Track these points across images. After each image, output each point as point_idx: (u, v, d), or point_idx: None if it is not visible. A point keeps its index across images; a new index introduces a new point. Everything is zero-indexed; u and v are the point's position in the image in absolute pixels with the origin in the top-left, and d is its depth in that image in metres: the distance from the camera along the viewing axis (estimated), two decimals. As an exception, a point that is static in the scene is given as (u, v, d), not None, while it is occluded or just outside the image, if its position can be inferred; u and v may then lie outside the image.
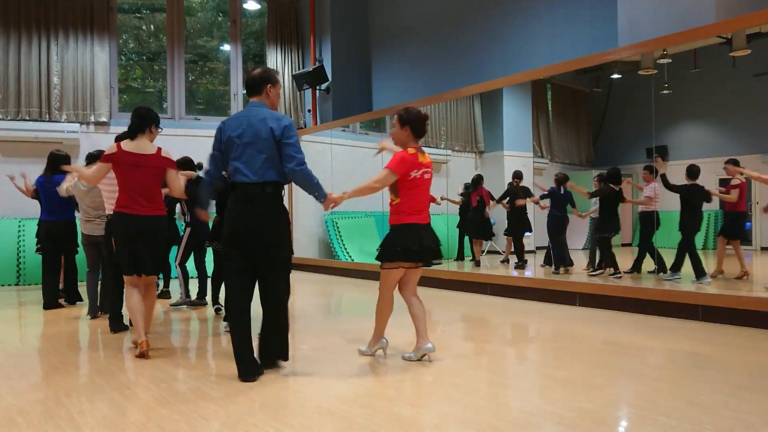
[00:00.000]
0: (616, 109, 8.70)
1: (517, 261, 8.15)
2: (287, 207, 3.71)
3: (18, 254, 8.44)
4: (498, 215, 9.03)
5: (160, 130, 4.29)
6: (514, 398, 3.01)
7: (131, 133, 4.14)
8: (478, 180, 8.59)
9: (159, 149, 4.13)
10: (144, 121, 4.13)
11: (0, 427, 2.69)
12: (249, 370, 3.34)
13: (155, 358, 3.98)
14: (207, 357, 4.07)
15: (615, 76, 7.88)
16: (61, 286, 6.37)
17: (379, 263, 3.69)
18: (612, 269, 6.64)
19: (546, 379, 3.38)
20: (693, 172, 6.11)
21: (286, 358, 3.59)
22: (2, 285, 8.27)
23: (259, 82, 3.50)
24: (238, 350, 3.36)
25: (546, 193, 7.63)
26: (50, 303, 6.09)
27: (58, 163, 5.96)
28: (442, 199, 8.44)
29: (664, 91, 6.36)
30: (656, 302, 5.25)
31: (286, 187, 3.84)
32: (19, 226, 8.58)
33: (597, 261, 7.05)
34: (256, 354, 3.44)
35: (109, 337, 4.77)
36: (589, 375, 3.38)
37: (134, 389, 3.26)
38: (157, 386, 3.30)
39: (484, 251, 9.24)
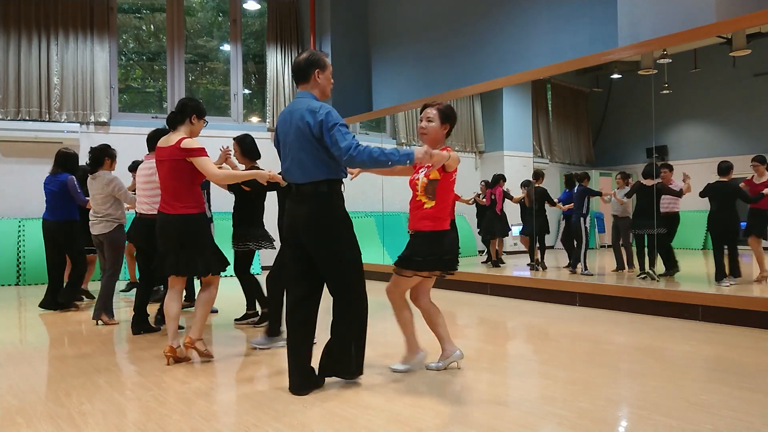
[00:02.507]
0: (616, 109, 8.70)
1: (530, 262, 8.10)
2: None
3: (18, 254, 8.44)
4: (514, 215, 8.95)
5: (204, 122, 3.96)
6: (514, 398, 3.00)
7: (169, 126, 3.89)
8: (497, 179, 8.56)
9: (180, 140, 3.73)
10: (181, 112, 3.83)
11: (0, 427, 2.69)
12: (296, 383, 3.11)
13: (155, 358, 3.97)
14: (207, 357, 4.07)
15: (615, 76, 7.88)
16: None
17: (399, 268, 3.39)
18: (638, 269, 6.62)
19: (546, 379, 3.38)
20: (723, 168, 5.94)
21: (348, 375, 3.26)
22: (2, 285, 8.28)
23: (306, 68, 3.14)
24: (289, 361, 3.14)
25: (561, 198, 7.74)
26: (46, 303, 6.08)
27: (66, 161, 5.98)
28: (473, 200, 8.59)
29: (664, 91, 6.36)
30: (656, 302, 5.25)
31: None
32: (19, 226, 8.57)
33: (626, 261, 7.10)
34: (315, 365, 3.21)
35: (109, 338, 4.77)
36: (589, 375, 3.38)
37: (134, 389, 3.26)
38: (158, 386, 3.30)
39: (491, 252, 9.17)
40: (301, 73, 3.16)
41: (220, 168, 4.05)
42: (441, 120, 3.39)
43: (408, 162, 2.99)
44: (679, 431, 2.50)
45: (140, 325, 4.85)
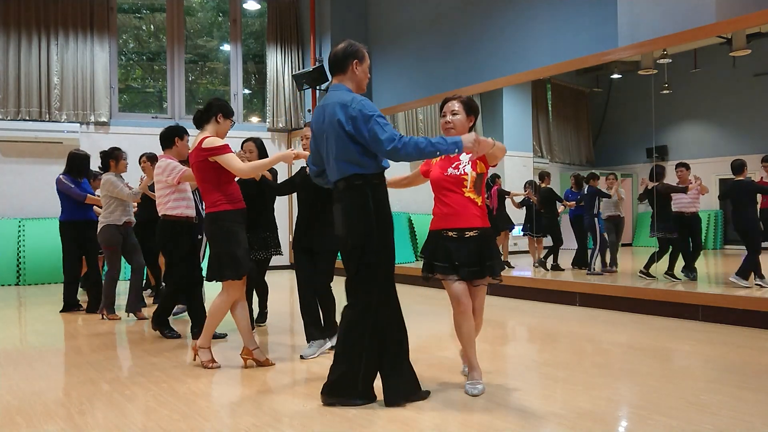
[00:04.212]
0: (616, 109, 8.70)
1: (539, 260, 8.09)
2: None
3: (18, 254, 8.44)
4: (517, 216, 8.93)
5: (231, 122, 3.80)
6: (514, 398, 3.00)
7: (196, 125, 3.78)
8: (493, 179, 8.60)
9: (202, 139, 3.59)
10: (207, 111, 3.73)
11: (0, 427, 2.69)
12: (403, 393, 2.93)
13: (155, 358, 3.98)
14: (207, 357, 4.07)
15: (615, 76, 7.88)
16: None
17: (497, 278, 3.17)
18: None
19: (546, 379, 3.38)
20: (736, 167, 5.80)
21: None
22: (2, 285, 8.28)
23: (344, 59, 2.96)
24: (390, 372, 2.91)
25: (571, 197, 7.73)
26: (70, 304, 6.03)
27: (72, 162, 5.96)
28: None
29: (664, 91, 6.36)
30: (656, 302, 5.25)
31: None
32: (19, 226, 8.57)
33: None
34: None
35: (109, 338, 4.77)
36: (589, 375, 3.38)
37: (134, 389, 3.26)
38: (157, 386, 3.30)
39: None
40: (339, 64, 2.98)
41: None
42: (466, 112, 3.21)
43: (456, 151, 2.82)
44: (679, 431, 2.50)
45: (159, 323, 4.66)
